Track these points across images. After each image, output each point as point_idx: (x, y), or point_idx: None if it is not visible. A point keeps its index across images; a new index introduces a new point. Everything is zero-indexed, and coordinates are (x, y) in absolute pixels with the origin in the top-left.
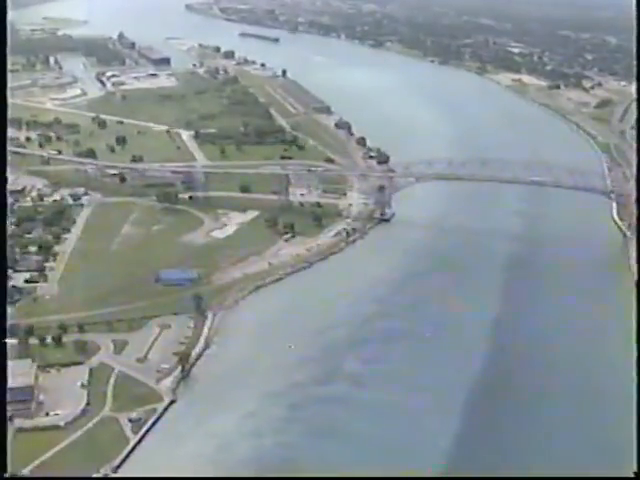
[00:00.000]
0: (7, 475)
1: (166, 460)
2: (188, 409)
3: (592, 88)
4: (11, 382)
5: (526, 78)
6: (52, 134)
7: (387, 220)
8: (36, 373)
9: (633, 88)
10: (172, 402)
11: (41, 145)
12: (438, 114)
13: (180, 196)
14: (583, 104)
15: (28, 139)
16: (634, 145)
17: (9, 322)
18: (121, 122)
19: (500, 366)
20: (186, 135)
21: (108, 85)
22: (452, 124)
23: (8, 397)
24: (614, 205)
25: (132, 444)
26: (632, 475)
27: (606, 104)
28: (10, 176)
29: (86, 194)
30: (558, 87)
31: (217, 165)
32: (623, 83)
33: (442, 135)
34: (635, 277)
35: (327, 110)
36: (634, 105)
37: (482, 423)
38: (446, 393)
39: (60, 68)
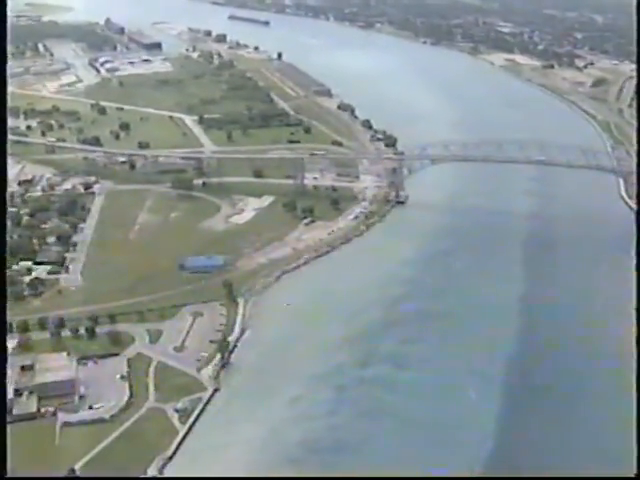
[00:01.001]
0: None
1: (219, 447)
2: (233, 396)
3: (585, 67)
4: (52, 376)
5: (519, 58)
6: (53, 122)
7: (402, 203)
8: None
9: (626, 67)
10: (216, 390)
11: (43, 133)
12: (438, 95)
13: (194, 182)
14: (579, 83)
15: (29, 127)
16: (634, 123)
17: (37, 315)
18: (121, 108)
19: (533, 340)
20: (190, 120)
21: (102, 71)
22: (453, 106)
23: (50, 391)
24: (621, 183)
25: (182, 434)
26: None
27: (601, 83)
28: (16, 165)
29: (97, 182)
30: (552, 67)
31: (226, 150)
32: (615, 62)
33: (444, 117)
34: None
35: (328, 93)
36: (628, 83)
37: (523, 399)
38: (484, 370)
39: (51, 55)
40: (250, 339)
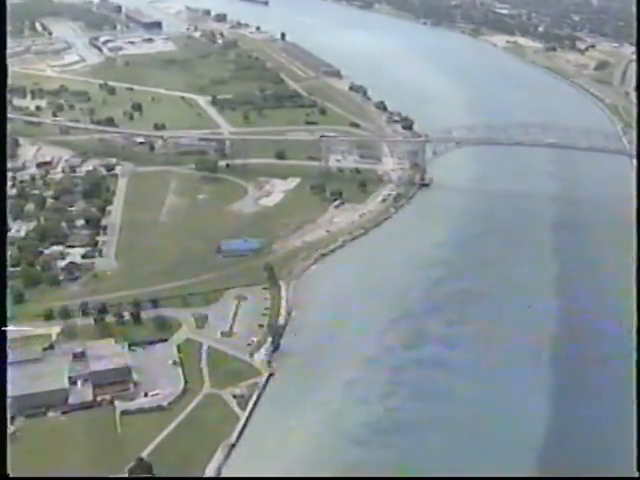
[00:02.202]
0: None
1: (282, 432)
2: (288, 381)
3: (587, 50)
4: (105, 363)
5: (521, 40)
6: (62, 102)
7: (427, 185)
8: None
9: (626, 50)
10: (271, 375)
11: (54, 114)
12: (446, 77)
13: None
14: (582, 66)
15: (38, 108)
16: None
17: (78, 300)
18: (131, 89)
19: (574, 318)
20: (202, 101)
21: (105, 50)
22: (463, 88)
23: (105, 379)
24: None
25: (243, 420)
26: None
27: (604, 66)
28: (32, 147)
29: (118, 164)
30: (554, 49)
31: (245, 131)
32: (615, 44)
33: (456, 99)
34: None
35: (337, 74)
36: (631, 67)
37: (574, 376)
38: (531, 349)
39: (49, 34)
40: (297, 323)
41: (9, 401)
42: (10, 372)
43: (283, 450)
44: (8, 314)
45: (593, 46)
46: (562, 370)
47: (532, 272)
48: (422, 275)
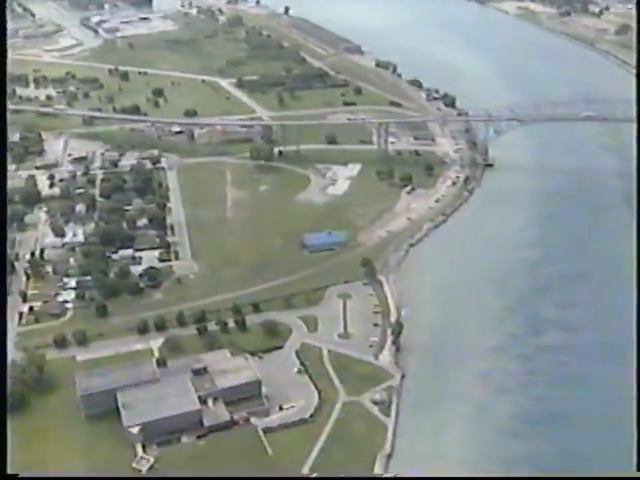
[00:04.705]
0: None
1: (434, 433)
2: (422, 380)
3: (601, 13)
4: (235, 379)
5: (531, 5)
6: (73, 90)
7: (491, 165)
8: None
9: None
10: (403, 376)
11: (69, 104)
12: (468, 50)
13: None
14: (602, 31)
15: (49, 98)
16: None
17: (168, 309)
18: (144, 73)
19: None
20: (226, 84)
21: (101, 32)
22: (489, 60)
23: (236, 395)
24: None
25: (391, 427)
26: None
27: (625, 30)
28: (57, 141)
29: (161, 156)
30: (569, 13)
31: (284, 116)
32: (628, 6)
33: (487, 72)
34: None
35: (358, 50)
36: None
37: None
38: None
39: (32, 15)
40: (409, 318)
41: (137, 429)
42: (128, 396)
43: (442, 452)
44: (96, 331)
45: (607, 8)
46: None
47: (624, 250)
48: (518, 258)
